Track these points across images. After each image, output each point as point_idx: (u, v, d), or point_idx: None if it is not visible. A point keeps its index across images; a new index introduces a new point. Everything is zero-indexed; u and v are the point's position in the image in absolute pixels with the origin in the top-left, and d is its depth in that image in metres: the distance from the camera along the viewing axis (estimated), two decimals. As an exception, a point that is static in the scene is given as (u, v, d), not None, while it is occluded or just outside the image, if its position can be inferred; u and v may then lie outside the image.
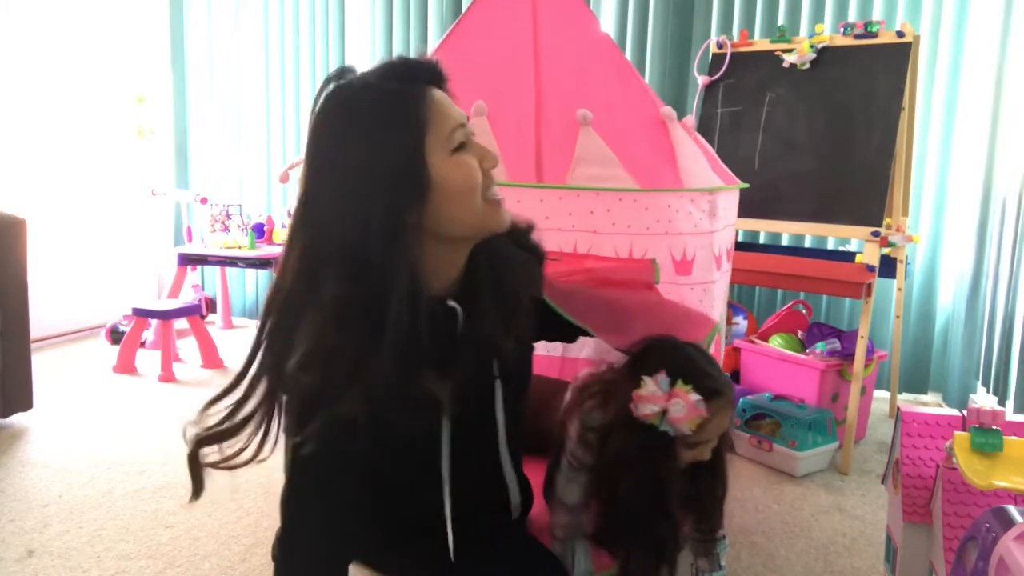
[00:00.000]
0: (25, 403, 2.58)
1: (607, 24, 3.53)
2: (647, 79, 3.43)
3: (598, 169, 1.60)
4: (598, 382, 1.29)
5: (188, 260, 3.88)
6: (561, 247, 1.61)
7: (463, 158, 0.93)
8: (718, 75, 2.90)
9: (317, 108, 0.92)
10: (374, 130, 0.88)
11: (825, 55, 2.67)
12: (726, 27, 3.32)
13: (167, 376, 3.19)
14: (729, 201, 1.82)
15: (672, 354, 1.22)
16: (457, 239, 0.97)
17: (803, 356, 2.58)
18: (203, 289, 4.37)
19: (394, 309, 0.87)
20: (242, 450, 0.94)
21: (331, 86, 0.93)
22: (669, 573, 1.22)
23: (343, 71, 0.94)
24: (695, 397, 1.14)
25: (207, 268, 4.37)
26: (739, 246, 2.89)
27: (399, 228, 0.88)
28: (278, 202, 4.31)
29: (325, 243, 0.89)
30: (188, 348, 3.60)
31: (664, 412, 1.14)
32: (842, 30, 2.65)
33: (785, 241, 3.31)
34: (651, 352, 1.23)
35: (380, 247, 0.87)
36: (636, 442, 1.17)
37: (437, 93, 0.94)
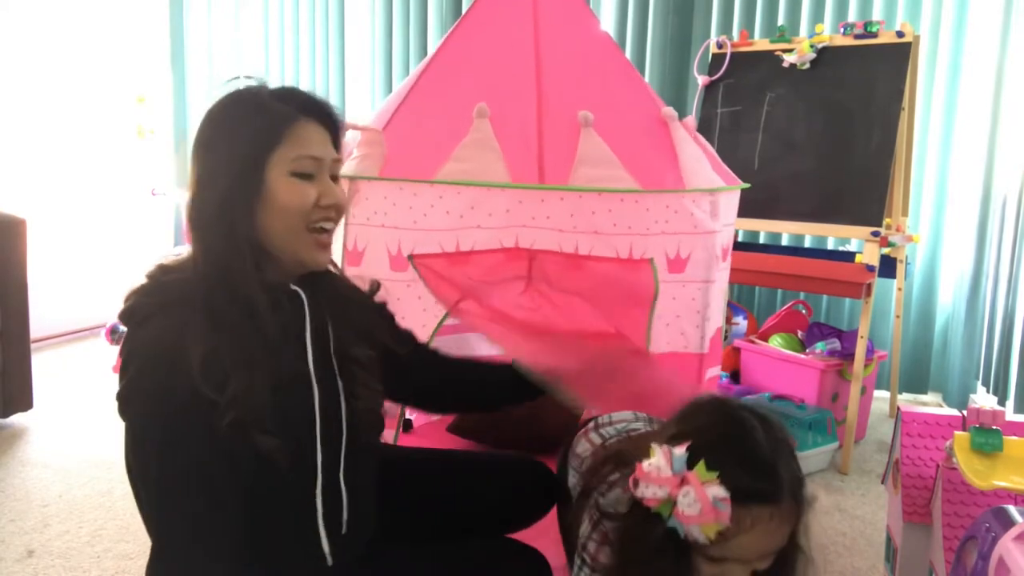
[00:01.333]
0: (25, 403, 2.58)
1: (607, 24, 3.53)
2: (647, 79, 3.43)
3: (600, 170, 1.60)
4: (634, 447, 0.92)
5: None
6: (562, 247, 1.61)
7: (298, 184, 1.02)
8: (718, 75, 2.90)
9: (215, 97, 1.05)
10: (237, 128, 1.01)
11: (825, 55, 2.67)
12: (726, 27, 3.32)
13: (167, 376, 3.19)
14: (730, 201, 1.83)
15: (722, 421, 0.88)
16: (283, 258, 1.05)
17: (803, 356, 2.58)
18: (203, 289, 4.37)
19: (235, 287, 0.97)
20: None
21: (233, 84, 1.06)
22: None
23: (252, 78, 1.07)
24: (716, 493, 0.79)
25: (207, 268, 4.37)
26: (739, 246, 2.89)
27: (234, 216, 0.99)
28: (278, 202, 4.30)
29: (193, 219, 1.02)
30: (188, 348, 3.60)
31: (674, 502, 0.81)
32: (842, 30, 2.65)
33: (785, 241, 3.31)
34: (695, 412, 0.91)
35: (219, 229, 0.98)
36: (636, 529, 0.87)
37: (310, 127, 1.04)
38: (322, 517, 1.06)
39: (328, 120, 1.07)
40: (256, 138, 1.00)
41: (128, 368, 0.94)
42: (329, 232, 1.07)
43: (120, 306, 1.00)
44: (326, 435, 1.06)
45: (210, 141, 1.01)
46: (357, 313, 1.17)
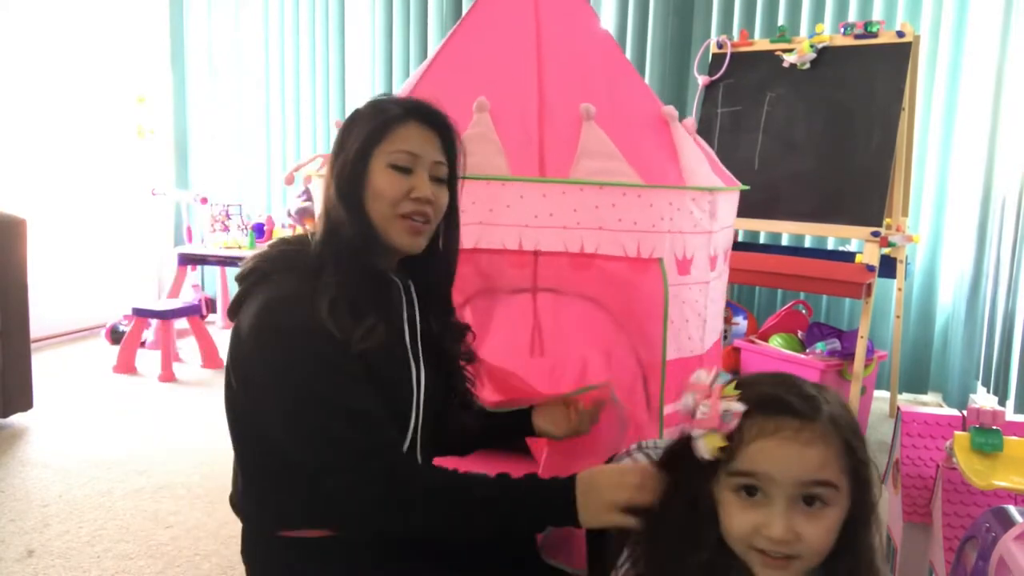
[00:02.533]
0: (25, 403, 2.58)
1: (607, 25, 3.53)
2: (647, 80, 3.43)
3: (601, 163, 1.58)
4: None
5: (188, 260, 3.88)
6: (567, 246, 1.59)
7: (394, 175, 1.15)
8: (718, 75, 2.90)
9: None
10: (358, 128, 1.18)
11: (825, 55, 2.67)
12: (726, 27, 3.32)
13: (167, 376, 3.19)
14: (728, 203, 1.82)
15: (777, 377, 0.86)
16: (383, 242, 1.18)
17: (803, 356, 2.58)
18: (203, 289, 4.37)
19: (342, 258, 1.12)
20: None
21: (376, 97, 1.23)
22: None
23: (387, 95, 1.24)
24: (729, 406, 0.79)
25: (207, 268, 4.37)
26: (739, 246, 2.89)
27: (350, 202, 1.14)
28: (278, 202, 4.31)
29: (324, 202, 1.17)
30: (188, 348, 3.60)
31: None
32: (842, 30, 2.65)
33: (785, 241, 3.31)
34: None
35: (339, 213, 1.13)
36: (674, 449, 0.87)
37: (414, 127, 1.18)
38: None
39: (438, 125, 1.20)
40: (367, 134, 1.16)
41: (248, 315, 1.08)
42: (421, 223, 1.17)
43: (240, 270, 1.16)
44: (401, 409, 1.16)
45: (340, 139, 1.19)
46: (442, 309, 1.29)
